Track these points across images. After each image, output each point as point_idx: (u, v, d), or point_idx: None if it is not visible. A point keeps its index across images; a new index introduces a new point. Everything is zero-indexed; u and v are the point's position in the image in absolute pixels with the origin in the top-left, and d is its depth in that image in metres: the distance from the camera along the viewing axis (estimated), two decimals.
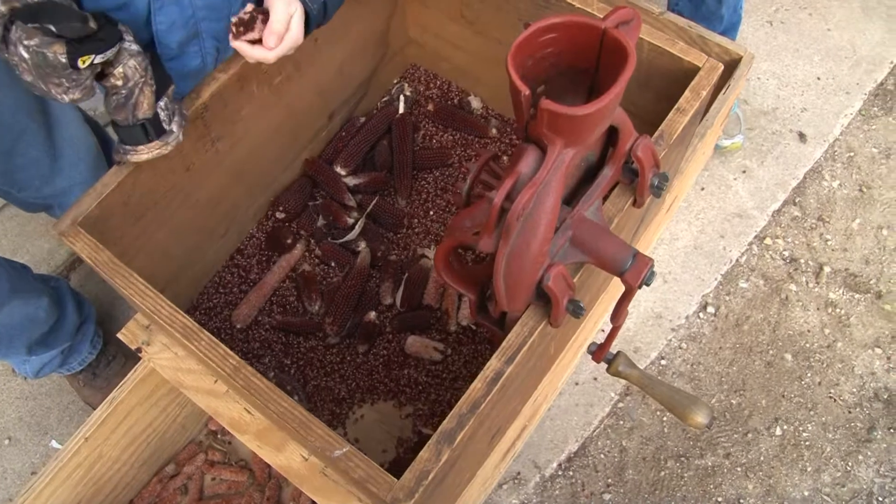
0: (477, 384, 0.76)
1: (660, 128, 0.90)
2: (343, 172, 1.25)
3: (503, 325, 0.83)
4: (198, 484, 1.45)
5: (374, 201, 1.26)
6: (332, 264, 1.22)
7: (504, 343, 0.78)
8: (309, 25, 0.95)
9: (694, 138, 1.37)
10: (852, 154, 1.78)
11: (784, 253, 1.66)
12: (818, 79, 1.86)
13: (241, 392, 0.78)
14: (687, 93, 0.92)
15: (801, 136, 1.78)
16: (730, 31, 1.70)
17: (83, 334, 1.49)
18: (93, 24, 0.80)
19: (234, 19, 0.88)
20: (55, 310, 1.38)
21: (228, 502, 1.42)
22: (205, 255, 1.17)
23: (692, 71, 0.96)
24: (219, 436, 1.50)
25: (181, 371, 1.18)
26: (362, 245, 1.22)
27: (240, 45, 0.90)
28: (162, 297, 0.83)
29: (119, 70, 0.86)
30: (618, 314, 0.84)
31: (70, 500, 1.25)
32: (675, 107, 0.91)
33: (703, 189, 1.73)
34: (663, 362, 1.56)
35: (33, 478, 1.17)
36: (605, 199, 0.87)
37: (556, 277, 0.74)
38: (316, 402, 1.16)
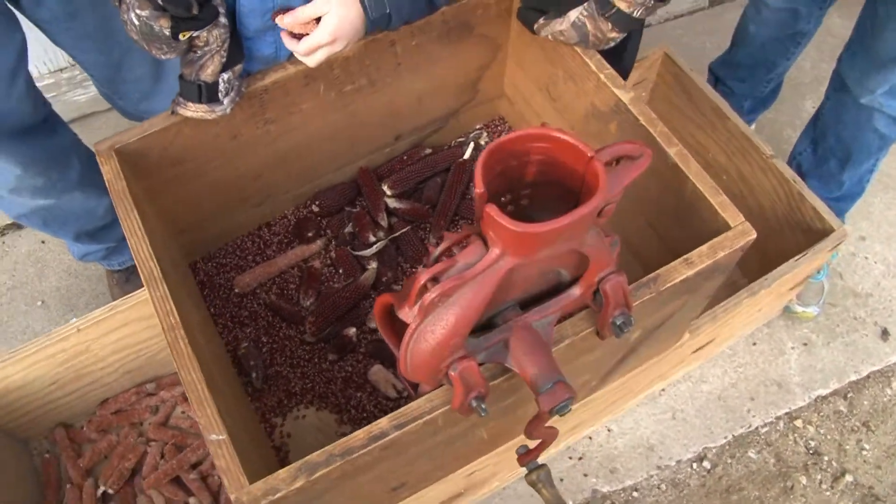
0: (359, 434, 0.78)
1: (657, 272, 0.87)
2: (388, 192, 1.30)
3: (416, 391, 0.84)
4: (167, 411, 1.54)
5: (404, 229, 1.29)
6: (340, 271, 1.26)
7: (402, 409, 0.79)
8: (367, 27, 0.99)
9: (742, 292, 1.31)
10: None
11: (810, 442, 1.54)
12: None
13: (169, 347, 0.83)
14: (703, 247, 0.89)
15: (885, 333, 1.64)
16: (846, 200, 1.60)
17: None
18: (195, 10, 0.89)
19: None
20: (111, 212, 1.52)
21: (184, 439, 1.50)
22: (234, 216, 1.25)
23: (724, 227, 0.92)
24: None
25: None
26: (373, 264, 1.25)
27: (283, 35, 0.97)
28: (145, 240, 0.90)
29: (203, 35, 0.94)
30: (529, 431, 0.83)
31: (48, 376, 1.36)
32: (684, 257, 0.88)
33: (754, 344, 1.64)
34: (635, 493, 1.49)
35: (21, 345, 1.30)
36: (567, 318, 0.85)
37: (465, 371, 0.74)
38: (270, 386, 1.21)
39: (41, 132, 1.26)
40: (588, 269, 0.78)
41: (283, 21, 0.95)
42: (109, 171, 0.96)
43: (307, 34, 0.96)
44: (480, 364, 0.79)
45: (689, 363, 1.52)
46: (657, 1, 0.98)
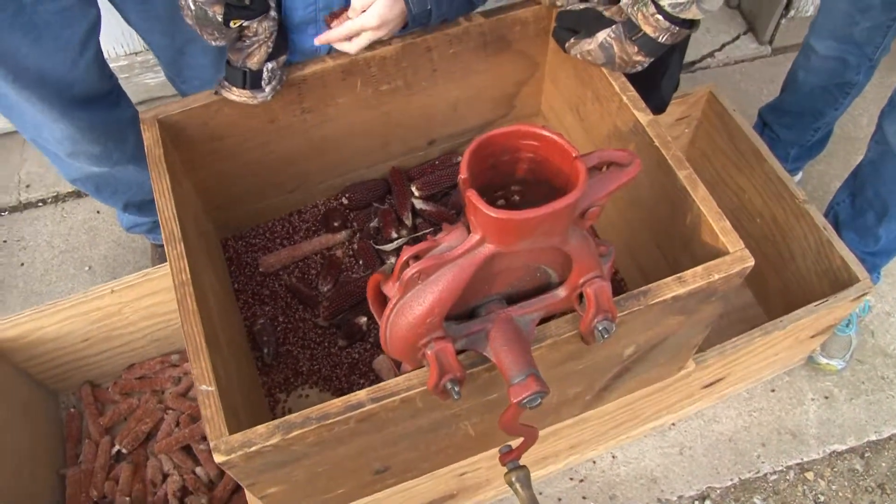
0: (336, 402, 0.82)
1: (648, 286, 0.89)
2: (416, 193, 1.34)
3: (399, 371, 0.88)
4: (189, 383, 1.61)
5: (427, 231, 1.33)
6: (360, 262, 1.31)
7: (381, 384, 0.83)
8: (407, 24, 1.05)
9: (756, 330, 1.30)
10: None
11: (820, 496, 1.50)
12: None
13: (177, 303, 0.89)
14: (698, 268, 0.90)
15: None
16: (882, 255, 1.57)
17: None
18: (248, 1, 0.97)
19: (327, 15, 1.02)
20: None
21: (199, 411, 1.56)
22: (267, 199, 1.31)
23: (724, 252, 0.93)
24: None
25: None
26: (392, 259, 1.30)
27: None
28: (171, 202, 0.97)
29: (253, 26, 1.02)
30: (502, 423, 0.85)
31: (81, 332, 1.45)
32: (678, 275, 0.90)
33: (773, 391, 1.61)
34: None
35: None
36: (551, 319, 0.88)
37: (441, 351, 0.77)
38: (280, 363, 1.26)
39: (104, 103, 1.36)
40: (572, 270, 0.80)
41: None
42: (150, 137, 1.03)
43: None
44: (461, 351, 0.83)
45: (701, 399, 1.51)
46: (683, 28, 1.01)
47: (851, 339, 1.61)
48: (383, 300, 0.86)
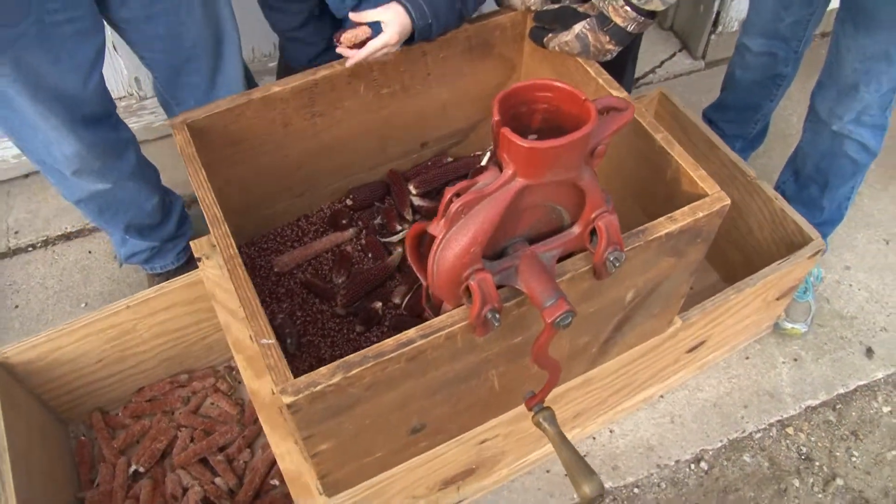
0: (389, 341, 0.91)
1: (644, 225, 1.02)
2: (413, 191, 1.46)
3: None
4: (198, 401, 1.65)
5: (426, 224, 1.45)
6: (370, 255, 1.41)
7: (426, 322, 0.93)
8: (413, 39, 1.19)
9: (729, 289, 1.45)
10: None
11: (802, 448, 1.63)
12: None
13: (229, 274, 0.98)
14: (685, 208, 1.04)
15: (869, 352, 1.76)
16: (827, 224, 1.75)
17: (174, 244, 1.79)
18: None
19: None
20: (160, 212, 1.69)
21: (212, 426, 1.61)
22: (276, 205, 1.41)
23: (703, 196, 1.07)
24: (234, 373, 1.72)
25: (219, 287, 1.41)
26: (399, 249, 1.40)
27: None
28: (211, 191, 1.07)
29: None
30: (536, 354, 0.95)
31: (96, 352, 1.49)
32: (669, 215, 1.03)
33: (747, 358, 1.75)
34: (636, 490, 1.58)
35: (74, 317, 1.44)
36: (568, 257, 1.00)
37: (481, 281, 0.88)
38: (303, 353, 1.34)
39: (106, 124, 1.46)
40: (585, 206, 0.93)
41: (345, 35, 1.17)
42: (181, 139, 1.13)
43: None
44: (496, 287, 0.93)
45: (685, 367, 1.64)
46: (647, 18, 1.18)
47: (810, 305, 1.78)
48: (420, 253, 0.97)
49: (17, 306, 1.88)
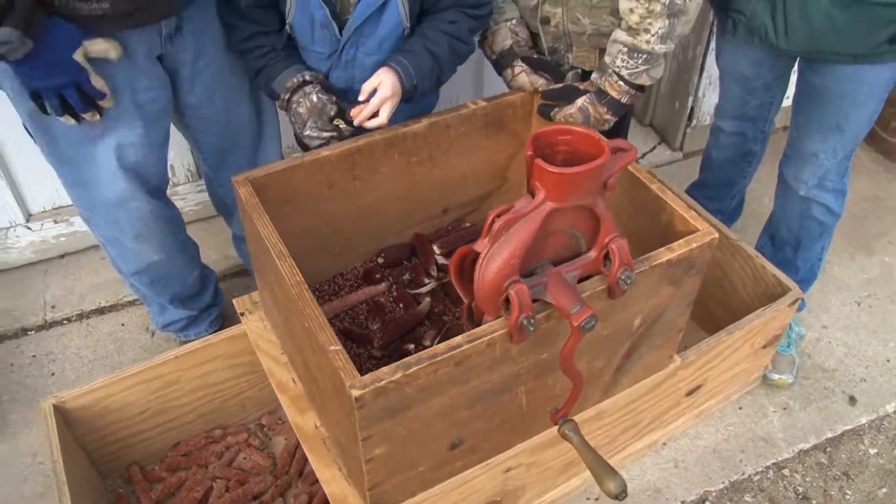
0: (440, 346, 1.06)
1: (647, 254, 1.21)
2: (437, 251, 1.65)
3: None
4: (231, 456, 1.75)
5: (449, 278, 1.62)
6: (401, 305, 1.58)
7: (472, 330, 1.08)
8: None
9: (721, 332, 1.62)
10: None
11: (798, 488, 1.75)
12: (888, 360, 2.00)
13: (296, 298, 1.13)
14: (681, 240, 1.23)
15: (852, 400, 1.91)
16: (803, 283, 1.95)
17: (208, 314, 1.94)
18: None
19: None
20: (199, 283, 1.86)
21: (246, 477, 1.70)
22: (316, 262, 1.58)
23: (696, 231, 1.26)
24: (265, 429, 1.82)
25: (262, 338, 1.56)
26: (427, 299, 1.57)
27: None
28: (275, 231, 1.24)
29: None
30: (563, 361, 1.11)
31: (141, 402, 1.61)
32: (667, 246, 1.22)
33: (740, 408, 1.90)
34: None
35: (125, 366, 1.56)
36: (587, 279, 1.17)
37: (518, 291, 1.05)
38: None
39: (164, 198, 1.65)
40: (600, 231, 1.12)
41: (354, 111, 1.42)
42: (245, 192, 1.32)
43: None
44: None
45: (686, 413, 1.77)
46: (638, 91, 1.42)
47: (794, 358, 1.94)
48: (462, 275, 1.14)
49: (52, 374, 1.99)
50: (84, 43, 1.25)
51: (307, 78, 1.43)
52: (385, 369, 1.04)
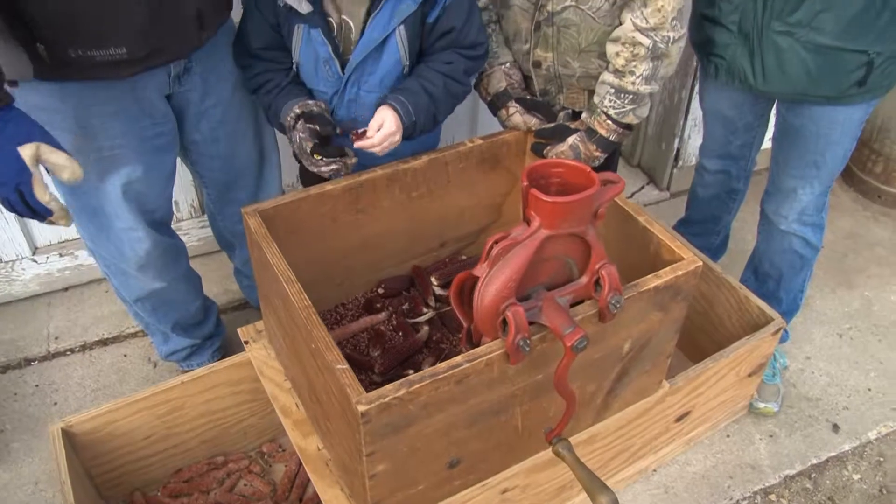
0: (441, 365, 1.13)
1: (635, 281, 1.28)
2: (435, 282, 1.72)
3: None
4: (233, 482, 1.79)
5: (446, 308, 1.69)
6: (400, 333, 1.64)
7: (472, 351, 1.15)
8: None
9: (709, 360, 1.69)
10: (882, 459, 1.92)
11: None
12: (869, 390, 2.07)
13: (304, 321, 1.20)
14: (667, 268, 1.31)
15: (835, 427, 1.97)
16: (786, 315, 2.03)
17: (210, 343, 2.00)
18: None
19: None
20: (202, 313, 1.92)
21: (247, 503, 1.74)
22: (319, 291, 1.64)
23: (681, 260, 1.34)
24: (266, 457, 1.86)
25: (266, 365, 1.62)
26: (426, 328, 1.63)
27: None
28: (283, 258, 1.31)
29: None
30: (558, 382, 1.17)
31: (146, 427, 1.65)
32: (655, 273, 1.30)
33: (728, 436, 1.95)
34: None
35: (133, 392, 1.61)
36: (579, 303, 1.24)
37: (514, 313, 1.12)
38: None
39: (168, 230, 1.72)
40: (591, 258, 1.19)
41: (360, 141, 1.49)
42: (255, 223, 1.39)
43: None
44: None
45: (675, 440, 1.83)
46: (626, 129, 1.52)
47: (779, 387, 2.01)
48: (462, 299, 1.21)
49: (55, 403, 2.03)
50: (40, 144, 1.16)
51: (297, 112, 1.49)
52: (389, 386, 1.10)
